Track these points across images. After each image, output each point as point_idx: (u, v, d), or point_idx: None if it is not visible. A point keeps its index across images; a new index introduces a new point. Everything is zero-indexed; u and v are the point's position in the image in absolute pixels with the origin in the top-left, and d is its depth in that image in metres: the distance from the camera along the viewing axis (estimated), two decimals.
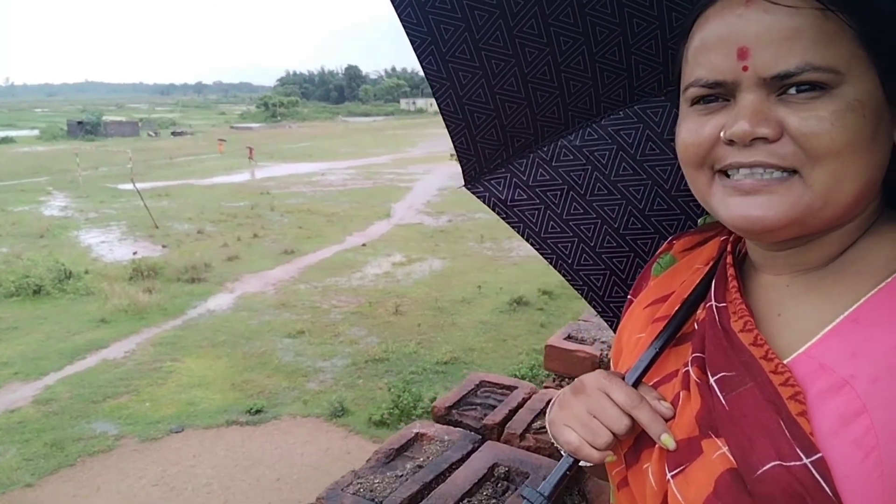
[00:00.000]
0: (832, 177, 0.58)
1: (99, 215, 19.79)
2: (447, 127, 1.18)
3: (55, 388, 8.52)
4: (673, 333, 0.72)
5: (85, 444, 7.27)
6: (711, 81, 0.61)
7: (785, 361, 0.60)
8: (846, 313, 0.60)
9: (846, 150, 0.57)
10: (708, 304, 0.70)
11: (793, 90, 0.58)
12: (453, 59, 1.10)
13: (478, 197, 1.30)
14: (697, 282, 0.76)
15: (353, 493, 1.38)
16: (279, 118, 75.46)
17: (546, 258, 1.30)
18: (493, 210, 1.31)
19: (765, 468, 0.55)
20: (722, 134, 0.60)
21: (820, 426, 0.55)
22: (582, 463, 0.69)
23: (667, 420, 0.64)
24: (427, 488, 1.41)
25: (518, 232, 1.32)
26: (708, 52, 0.61)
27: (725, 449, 0.58)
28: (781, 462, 0.54)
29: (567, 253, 1.27)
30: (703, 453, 0.60)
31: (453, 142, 1.20)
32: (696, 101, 0.63)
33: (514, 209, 1.28)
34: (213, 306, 11.56)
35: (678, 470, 0.61)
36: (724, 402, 0.60)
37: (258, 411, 7.73)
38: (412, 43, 1.07)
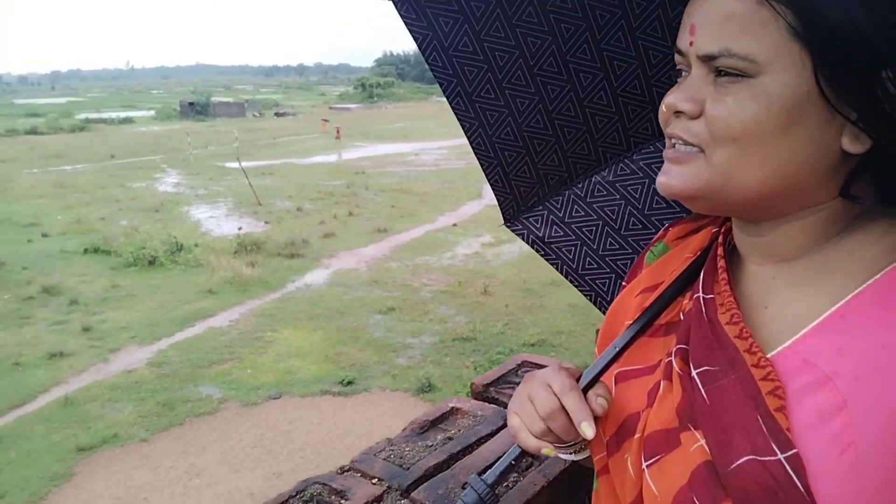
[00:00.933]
0: (729, 160, 0.60)
1: (208, 192, 20.93)
2: (481, 165, 1.20)
3: (167, 352, 9.17)
4: (644, 327, 0.72)
5: (192, 405, 7.80)
6: (677, 49, 0.65)
7: (770, 355, 0.60)
8: (833, 308, 0.59)
9: (742, 137, 0.58)
10: (696, 295, 0.69)
11: (723, 72, 0.60)
12: (479, 98, 1.12)
13: (517, 234, 1.31)
14: (682, 271, 0.76)
15: (384, 459, 1.44)
16: (375, 98, 76.77)
17: (585, 295, 1.29)
18: (532, 247, 1.31)
19: (739, 462, 0.54)
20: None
21: (799, 421, 0.54)
22: (565, 455, 0.69)
23: (596, 417, 0.64)
24: (453, 458, 1.45)
25: (556, 269, 1.32)
26: (683, 25, 0.65)
27: (703, 442, 0.58)
28: (756, 457, 0.54)
29: (605, 289, 1.26)
30: (681, 445, 0.60)
31: (488, 180, 1.22)
32: (678, 69, 0.67)
33: (552, 246, 1.29)
34: (310, 281, 12.03)
35: (654, 460, 0.61)
36: (704, 395, 0.60)
37: (350, 383, 8.02)
38: (440, 84, 1.11)
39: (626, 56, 1.12)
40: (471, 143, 1.16)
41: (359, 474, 1.39)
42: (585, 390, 0.68)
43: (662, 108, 0.64)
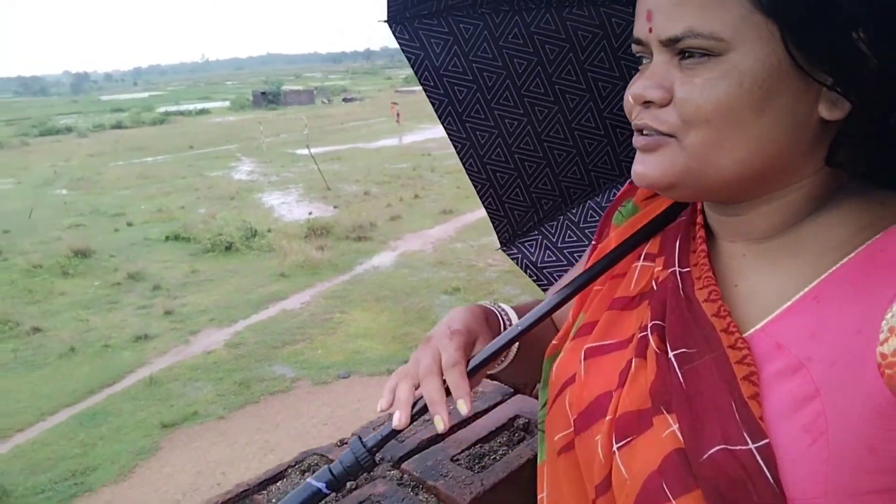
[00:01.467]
0: (703, 142, 0.57)
1: (280, 179, 21.56)
2: (475, 188, 1.19)
3: (243, 333, 9.57)
4: (573, 292, 0.71)
5: (267, 384, 8.13)
6: (635, 38, 0.62)
7: (744, 335, 0.58)
8: (806, 289, 0.57)
9: (714, 118, 0.55)
10: (671, 269, 0.67)
11: (689, 55, 0.57)
12: (470, 119, 1.12)
13: (512, 259, 1.30)
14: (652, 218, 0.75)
15: (381, 434, 1.47)
16: None
17: None
18: (525, 272, 1.29)
19: (711, 451, 0.53)
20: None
21: (772, 409, 0.53)
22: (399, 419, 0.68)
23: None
24: (448, 432, 1.47)
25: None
26: (638, 12, 0.61)
27: (676, 427, 0.56)
28: (727, 446, 0.52)
29: None
30: (653, 427, 0.58)
31: (483, 203, 1.21)
32: (639, 57, 0.64)
33: (543, 271, 1.28)
34: (377, 263, 12.26)
35: (625, 441, 0.59)
36: (681, 378, 0.58)
37: None
38: (432, 104, 1.11)
39: (611, 77, 1.11)
40: (464, 165, 1.16)
41: None
42: (486, 362, 0.68)
43: (628, 98, 0.61)
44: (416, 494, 1.23)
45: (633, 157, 1.19)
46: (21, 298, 11.46)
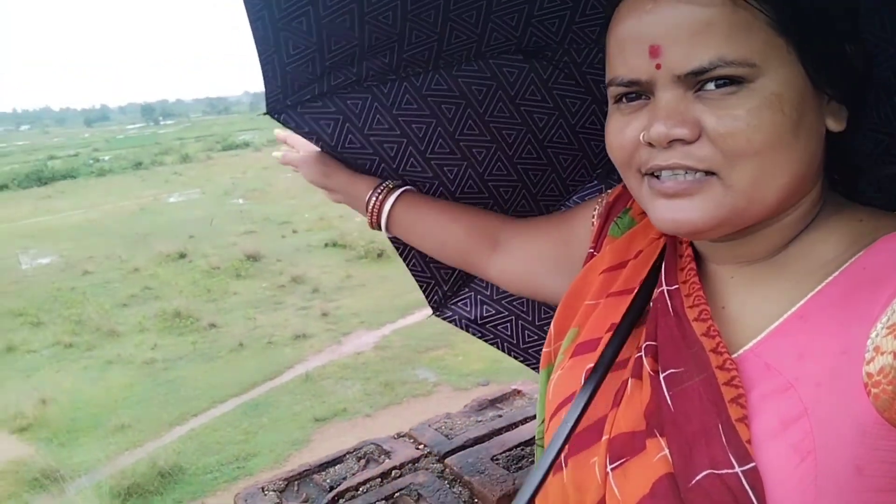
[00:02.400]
0: (752, 176, 0.54)
1: None
2: (398, 253, 1.16)
3: (390, 337, 10.02)
4: (616, 352, 0.66)
5: (410, 387, 8.45)
6: (627, 80, 0.58)
7: (733, 357, 0.57)
8: (792, 310, 0.56)
9: (764, 148, 0.53)
10: (661, 289, 0.66)
11: (710, 86, 0.54)
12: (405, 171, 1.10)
13: (448, 322, 1.24)
14: (652, 262, 0.72)
15: (435, 429, 1.52)
16: None
17: (532, 369, 1.20)
18: (467, 331, 1.23)
19: (699, 477, 0.53)
20: (641, 137, 0.57)
21: (760, 429, 0.52)
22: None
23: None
24: (494, 434, 1.48)
25: (497, 347, 1.23)
26: (623, 49, 0.58)
27: (667, 451, 0.56)
28: (714, 470, 0.52)
29: None
30: (646, 450, 0.58)
31: (409, 269, 1.17)
32: (618, 98, 0.61)
33: (487, 326, 1.23)
34: None
35: (618, 463, 0.59)
36: (669, 401, 0.58)
37: None
38: None
39: (513, 124, 1.08)
40: (387, 235, 1.13)
41: (410, 440, 1.51)
42: (556, 460, 0.62)
43: (643, 140, 0.57)
44: (452, 487, 1.30)
45: (548, 196, 1.14)
46: (201, 297, 12.80)
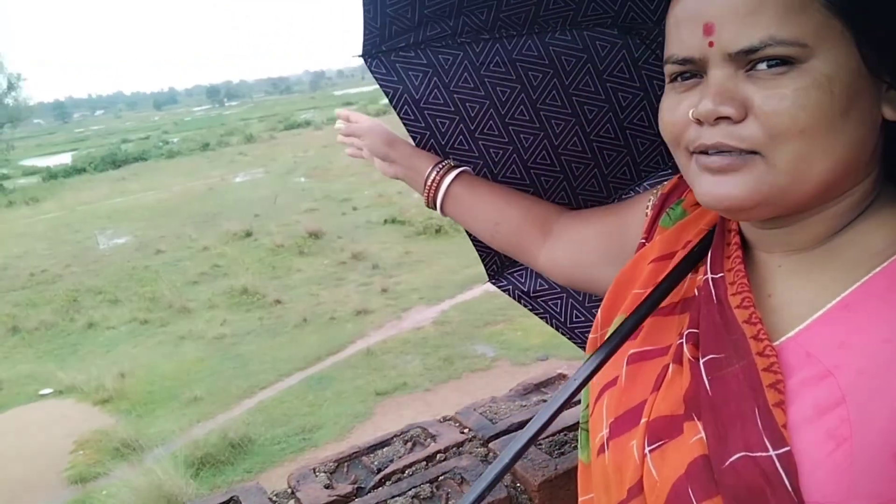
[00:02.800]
0: (796, 156, 0.54)
1: None
2: (465, 229, 1.14)
3: (449, 312, 10.10)
4: (636, 323, 0.67)
5: (469, 361, 8.52)
6: (681, 58, 0.59)
7: (774, 344, 0.57)
8: (837, 299, 0.56)
9: (810, 129, 0.53)
10: (705, 276, 0.66)
11: (762, 65, 0.54)
12: (453, 150, 1.10)
13: (502, 290, 1.24)
14: (692, 248, 0.71)
15: (480, 413, 1.51)
16: None
17: (579, 347, 1.20)
18: (519, 302, 1.23)
19: (733, 459, 0.54)
20: (690, 114, 0.58)
21: (796, 414, 0.53)
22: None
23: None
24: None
25: (547, 322, 1.23)
26: (679, 27, 0.59)
27: (703, 434, 0.57)
28: (749, 453, 0.53)
29: None
30: (683, 434, 0.59)
31: (469, 236, 1.16)
32: (674, 77, 0.61)
33: (538, 300, 1.22)
34: None
35: (656, 445, 0.61)
36: (707, 385, 0.59)
37: None
38: (412, 138, 1.10)
39: (597, 100, 1.06)
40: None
41: (456, 423, 1.51)
42: (567, 402, 0.65)
43: (691, 116, 0.57)
44: None
45: (619, 179, 1.12)
46: (266, 274, 13.19)
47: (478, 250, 1.21)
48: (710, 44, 0.55)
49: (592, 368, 0.66)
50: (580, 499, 0.75)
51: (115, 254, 16.66)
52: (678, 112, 0.60)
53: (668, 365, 0.65)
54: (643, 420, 0.63)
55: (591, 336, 0.79)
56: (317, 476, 1.36)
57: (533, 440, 0.64)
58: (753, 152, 0.55)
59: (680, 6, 0.59)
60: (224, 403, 8.43)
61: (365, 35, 0.98)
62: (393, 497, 1.26)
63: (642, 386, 0.66)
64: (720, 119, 0.56)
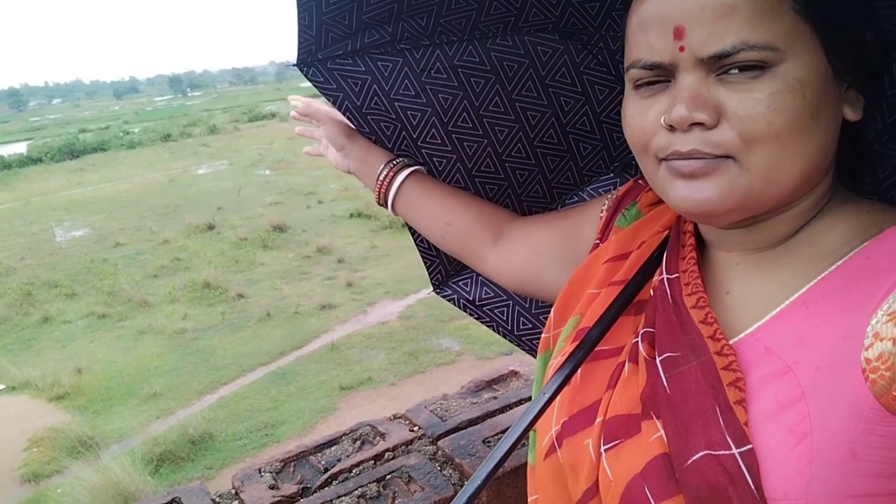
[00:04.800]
0: (769, 160, 0.54)
1: None
2: (408, 229, 1.14)
3: (414, 307, 10.08)
4: (601, 333, 0.67)
5: (434, 356, 8.52)
6: (650, 63, 0.57)
7: (732, 342, 0.58)
8: (795, 295, 0.57)
9: (784, 132, 0.53)
10: (661, 277, 0.67)
11: (734, 70, 0.54)
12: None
13: (447, 300, 1.24)
14: (652, 251, 0.71)
15: (431, 411, 1.51)
16: None
17: (528, 353, 1.20)
18: (465, 311, 1.23)
19: (695, 457, 0.53)
20: (662, 120, 0.57)
21: (757, 411, 0.53)
22: None
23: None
24: (488, 416, 1.48)
25: (493, 330, 1.23)
26: (645, 31, 0.57)
27: (663, 432, 0.57)
28: (711, 451, 0.53)
29: None
30: (641, 433, 0.58)
31: (416, 244, 1.16)
32: (638, 80, 0.60)
33: (484, 308, 1.22)
34: None
35: (612, 444, 0.60)
36: (665, 383, 0.58)
37: None
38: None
39: (539, 106, 1.05)
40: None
41: (406, 421, 1.51)
42: (526, 432, 0.64)
43: (663, 123, 0.56)
44: (443, 470, 1.30)
45: (563, 185, 1.11)
46: (229, 268, 12.98)
47: (423, 259, 1.20)
48: (682, 48, 0.55)
49: (562, 380, 0.65)
50: (529, 499, 0.74)
51: (73, 246, 16.21)
52: (647, 118, 0.58)
53: (624, 363, 0.64)
54: (598, 419, 0.62)
55: (543, 335, 0.79)
56: (262, 476, 1.33)
57: (503, 460, 0.63)
58: (726, 157, 0.55)
59: (645, 8, 0.57)
60: (184, 399, 8.28)
61: (300, 43, 0.95)
62: (339, 497, 1.24)
63: (597, 385, 0.66)
64: (694, 125, 0.55)
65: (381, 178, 1.04)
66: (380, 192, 1.05)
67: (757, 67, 0.53)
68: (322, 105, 1.13)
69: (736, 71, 0.53)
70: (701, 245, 0.67)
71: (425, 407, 1.55)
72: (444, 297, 1.25)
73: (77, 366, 9.16)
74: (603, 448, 0.61)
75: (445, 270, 1.22)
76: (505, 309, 1.20)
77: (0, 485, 6.96)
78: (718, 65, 0.54)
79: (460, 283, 1.23)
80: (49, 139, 45.39)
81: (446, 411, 1.53)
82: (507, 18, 0.96)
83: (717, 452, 0.52)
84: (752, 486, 0.50)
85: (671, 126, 0.56)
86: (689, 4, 0.54)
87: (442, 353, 8.58)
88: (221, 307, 11.01)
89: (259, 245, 14.15)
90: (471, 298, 1.22)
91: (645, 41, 0.57)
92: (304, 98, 1.16)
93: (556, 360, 0.72)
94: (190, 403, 8.16)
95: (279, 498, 1.24)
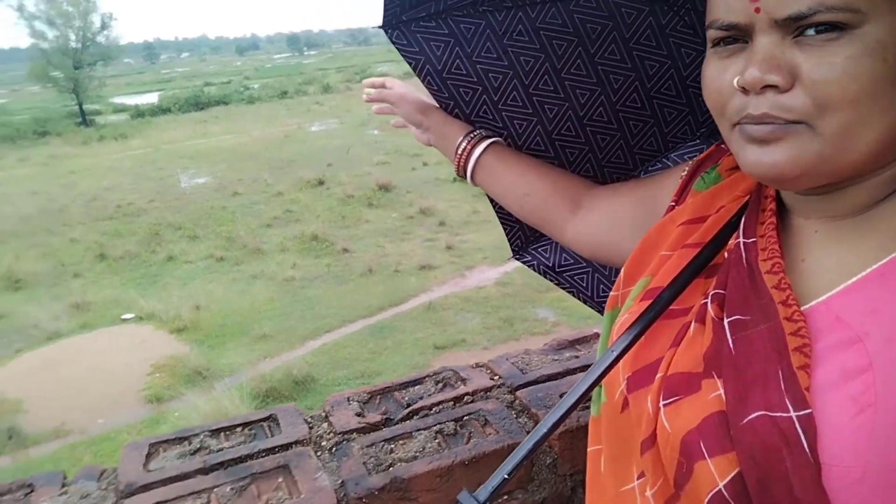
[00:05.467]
0: (844, 125, 0.52)
1: None
2: (490, 203, 1.14)
3: (512, 274, 10.13)
4: (673, 295, 0.67)
5: (529, 324, 8.58)
6: (726, 23, 0.56)
7: (803, 308, 0.57)
8: (874, 267, 0.55)
9: (860, 98, 0.51)
10: (737, 241, 0.65)
11: (810, 31, 0.52)
12: (478, 119, 1.08)
13: (526, 265, 1.22)
14: (731, 216, 0.70)
15: (511, 363, 1.54)
16: None
17: None
18: (545, 277, 1.22)
19: (751, 417, 0.53)
20: (735, 82, 0.56)
21: (821, 379, 0.52)
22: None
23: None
24: (568, 373, 1.49)
25: (574, 296, 1.19)
26: None
27: (722, 391, 0.56)
28: (768, 412, 0.52)
29: None
30: (700, 390, 0.58)
31: (494, 210, 1.13)
32: (717, 42, 0.59)
33: (563, 274, 1.20)
34: None
35: (671, 400, 0.60)
36: (731, 344, 0.58)
37: None
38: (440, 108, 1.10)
39: (623, 69, 1.03)
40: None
41: (487, 370, 1.56)
42: (593, 387, 0.65)
43: (736, 85, 0.55)
44: (518, 417, 1.34)
45: (646, 150, 1.10)
46: (336, 223, 13.51)
47: (503, 225, 1.20)
48: (757, 9, 0.53)
49: (631, 338, 0.65)
50: (588, 449, 0.76)
51: (195, 193, 17.36)
52: (723, 80, 0.58)
53: (690, 323, 0.64)
54: (659, 375, 0.63)
55: (612, 293, 0.78)
56: (350, 404, 1.44)
57: (570, 411, 0.65)
58: (798, 122, 0.54)
59: None
60: (290, 343, 8.80)
61: (386, 4, 0.96)
62: (418, 430, 1.32)
63: (661, 343, 0.66)
64: (767, 87, 0.54)
65: (459, 150, 1.05)
66: (459, 163, 1.07)
67: (835, 29, 0.51)
68: (392, 87, 1.15)
69: (812, 32, 0.52)
70: (782, 212, 0.66)
71: (507, 359, 1.61)
72: (523, 262, 1.25)
73: (196, 303, 9.91)
74: (662, 403, 0.61)
75: (525, 236, 1.22)
76: (584, 276, 1.20)
77: (128, 403, 7.71)
78: (795, 26, 0.52)
79: (539, 249, 1.23)
80: (177, 91, 48.27)
81: (527, 365, 1.58)
82: None
83: (774, 414, 0.52)
84: (807, 450, 0.50)
85: (744, 88, 0.55)
86: None
87: (537, 322, 8.62)
88: (327, 259, 11.52)
89: (365, 203, 14.62)
90: (550, 264, 1.22)
91: (723, 2, 0.56)
92: (376, 80, 1.18)
93: (624, 317, 0.72)
94: (294, 347, 8.67)
95: (364, 424, 1.35)
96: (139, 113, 37.91)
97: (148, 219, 15.00)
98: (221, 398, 6.75)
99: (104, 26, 41.25)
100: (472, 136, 1.05)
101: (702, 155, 0.81)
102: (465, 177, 1.07)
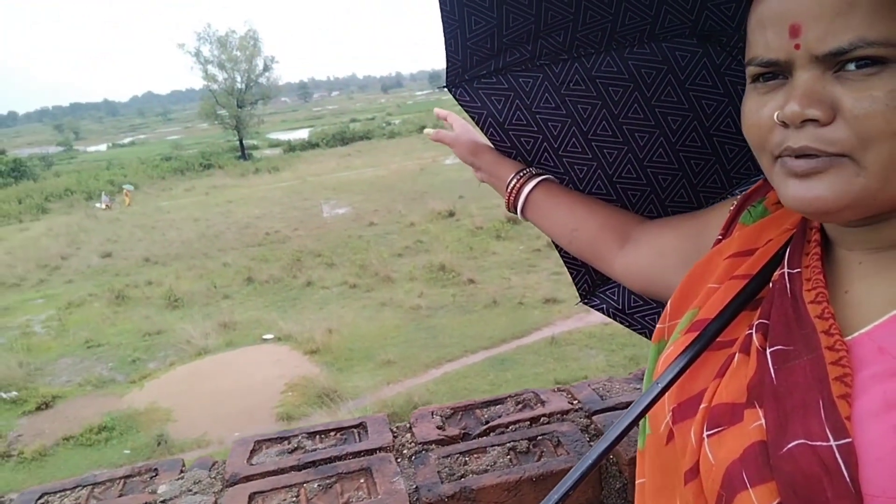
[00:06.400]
0: (887, 159, 0.52)
1: None
2: (556, 248, 1.13)
3: None
4: (721, 327, 0.65)
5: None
6: (766, 60, 0.57)
7: (846, 339, 0.56)
8: None
9: None
10: (782, 271, 0.65)
11: (850, 66, 0.52)
12: (539, 166, 1.11)
13: (595, 309, 1.21)
14: (778, 248, 0.68)
15: (592, 389, 1.49)
16: None
17: None
18: (615, 320, 1.19)
19: (790, 445, 0.53)
20: (776, 116, 0.57)
21: (862, 408, 0.52)
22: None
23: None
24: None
25: (646, 336, 1.15)
26: (763, 28, 0.57)
27: (763, 421, 0.57)
28: (808, 441, 0.52)
29: None
30: (743, 421, 0.58)
31: (560, 255, 1.16)
32: (756, 78, 0.60)
33: (634, 316, 1.19)
34: None
35: (715, 431, 0.60)
36: (773, 375, 0.58)
37: None
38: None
39: (680, 110, 1.02)
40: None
41: (567, 394, 1.54)
42: (638, 419, 0.66)
43: (777, 119, 0.56)
44: (590, 441, 1.34)
45: (710, 188, 1.10)
46: (464, 254, 13.77)
47: (569, 270, 1.23)
48: (797, 46, 0.54)
49: (678, 370, 0.66)
50: (636, 481, 0.77)
51: (335, 222, 18.41)
52: (762, 114, 0.59)
53: (734, 354, 0.65)
54: (703, 406, 0.63)
55: (658, 326, 0.79)
56: (433, 417, 1.52)
57: (615, 444, 0.66)
58: (842, 155, 0.54)
59: (764, 6, 0.58)
60: (413, 370, 9.04)
61: (448, 67, 1.03)
62: (493, 446, 1.37)
63: (706, 374, 0.67)
64: (807, 121, 0.54)
65: (510, 187, 1.09)
66: (509, 200, 1.10)
67: (876, 63, 0.51)
68: (455, 120, 1.22)
69: (853, 67, 0.52)
70: (826, 243, 0.66)
71: (588, 385, 1.62)
72: (592, 306, 1.26)
73: (329, 326, 10.46)
74: (706, 434, 0.61)
75: (591, 280, 1.23)
76: (656, 316, 1.19)
77: (262, 418, 8.25)
78: (835, 61, 0.53)
79: (607, 292, 1.23)
80: (325, 127, 51.71)
81: (608, 392, 1.58)
82: (643, 27, 0.97)
83: (813, 443, 0.52)
84: (849, 480, 0.49)
85: (784, 122, 0.56)
86: (805, 2, 0.53)
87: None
88: (453, 290, 11.76)
89: (493, 234, 14.80)
90: (619, 307, 1.22)
91: (762, 39, 0.58)
92: (441, 112, 1.27)
93: (670, 349, 0.73)
94: (416, 374, 8.89)
95: (443, 437, 1.42)
96: (291, 147, 41.03)
97: (292, 245, 16.09)
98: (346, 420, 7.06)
99: (266, 68, 45.17)
100: (522, 173, 1.09)
101: (749, 189, 0.82)
102: (515, 212, 1.11)
